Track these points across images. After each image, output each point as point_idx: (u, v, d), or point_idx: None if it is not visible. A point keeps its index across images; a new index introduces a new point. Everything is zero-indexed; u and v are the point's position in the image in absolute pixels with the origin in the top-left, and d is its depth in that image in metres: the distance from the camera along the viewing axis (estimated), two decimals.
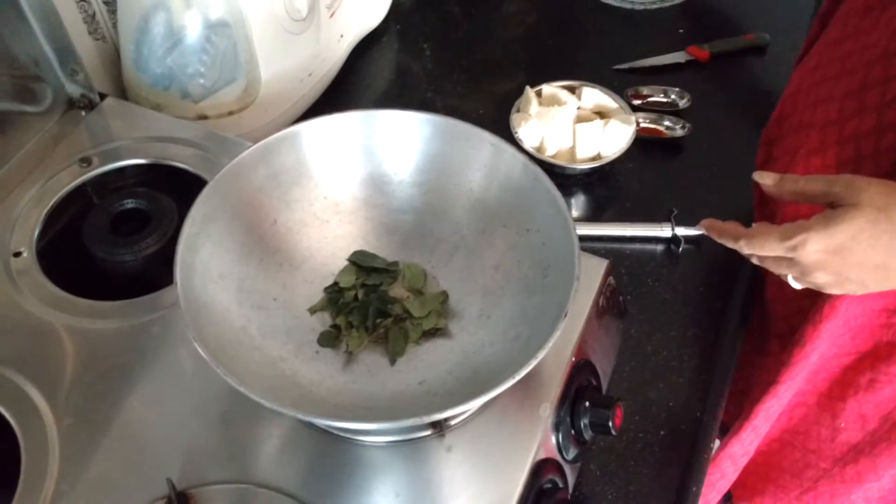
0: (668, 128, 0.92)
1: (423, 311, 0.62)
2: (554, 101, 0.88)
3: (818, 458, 0.78)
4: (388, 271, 0.65)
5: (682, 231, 0.83)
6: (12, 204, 0.73)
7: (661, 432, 0.71)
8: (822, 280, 0.57)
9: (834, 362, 0.72)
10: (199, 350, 0.51)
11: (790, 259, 0.57)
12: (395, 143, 0.66)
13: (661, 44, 1.05)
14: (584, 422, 0.61)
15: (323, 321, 0.63)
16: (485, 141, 0.63)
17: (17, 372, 0.62)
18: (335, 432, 0.59)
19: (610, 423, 0.61)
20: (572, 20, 1.11)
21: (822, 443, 0.77)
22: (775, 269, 0.60)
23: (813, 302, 0.67)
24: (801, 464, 0.81)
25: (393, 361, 0.61)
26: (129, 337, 0.64)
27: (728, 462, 0.82)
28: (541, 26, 1.10)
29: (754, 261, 0.61)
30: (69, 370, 0.62)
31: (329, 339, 0.62)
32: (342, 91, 0.99)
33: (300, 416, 0.50)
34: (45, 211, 0.73)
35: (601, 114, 0.89)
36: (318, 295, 0.64)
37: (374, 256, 0.66)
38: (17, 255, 0.70)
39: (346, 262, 0.66)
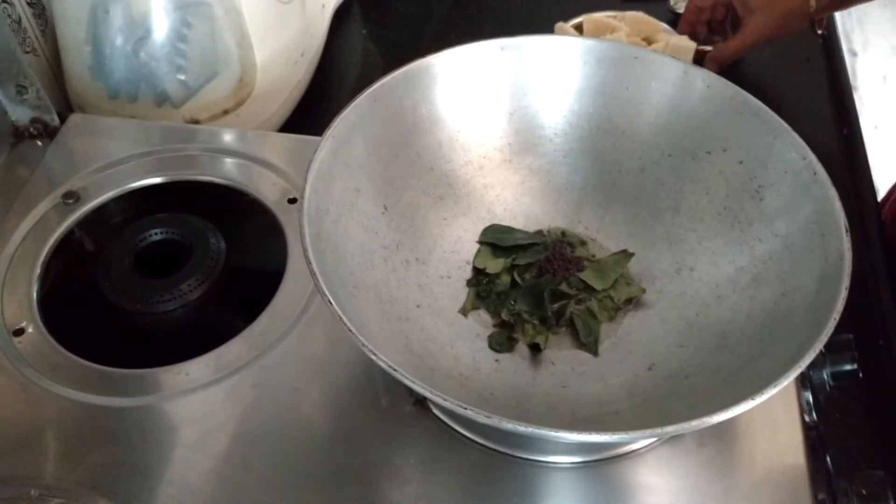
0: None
1: (606, 281, 0.48)
2: (600, 31, 0.76)
3: None
4: (536, 244, 0.51)
5: None
6: None
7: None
8: None
9: None
10: (393, 373, 0.35)
11: None
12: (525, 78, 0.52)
13: None
14: (827, 371, 0.50)
15: (482, 321, 0.48)
16: (659, 64, 0.50)
17: (83, 488, 0.43)
18: (567, 462, 0.44)
19: (855, 365, 0.50)
20: None
21: None
22: None
23: None
24: None
25: (595, 351, 0.46)
26: (216, 403, 0.47)
27: None
28: None
29: None
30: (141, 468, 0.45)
31: (502, 340, 0.47)
32: (328, 73, 0.82)
33: (559, 435, 0.35)
34: (39, 269, 0.54)
35: (647, 40, 0.78)
36: (461, 291, 0.49)
37: (510, 230, 0.52)
38: (19, 332, 0.51)
39: (477, 245, 0.51)
